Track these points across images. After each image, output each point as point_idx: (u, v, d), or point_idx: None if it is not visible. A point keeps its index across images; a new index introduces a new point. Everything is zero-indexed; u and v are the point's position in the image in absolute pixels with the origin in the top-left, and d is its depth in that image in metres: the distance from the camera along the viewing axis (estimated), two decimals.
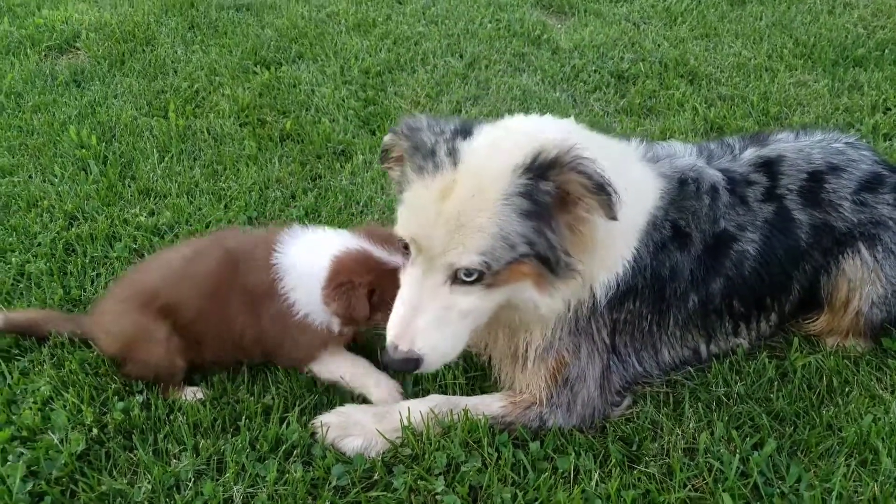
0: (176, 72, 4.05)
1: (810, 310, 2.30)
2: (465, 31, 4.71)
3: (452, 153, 1.68)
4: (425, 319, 1.70)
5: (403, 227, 1.73)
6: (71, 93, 3.81)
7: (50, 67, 4.09)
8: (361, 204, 2.93)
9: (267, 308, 2.00)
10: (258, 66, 4.13)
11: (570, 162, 1.62)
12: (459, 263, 1.66)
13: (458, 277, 1.68)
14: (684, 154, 2.15)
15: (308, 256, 2.01)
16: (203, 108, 3.67)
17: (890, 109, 3.75)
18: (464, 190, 1.64)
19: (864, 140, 2.98)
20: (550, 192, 1.65)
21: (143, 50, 4.31)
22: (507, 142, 1.72)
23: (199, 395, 2.04)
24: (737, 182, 2.11)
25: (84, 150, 3.22)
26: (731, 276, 2.08)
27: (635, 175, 1.96)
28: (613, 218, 1.65)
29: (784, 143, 2.23)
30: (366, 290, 1.93)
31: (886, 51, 4.35)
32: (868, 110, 3.67)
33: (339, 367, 2.09)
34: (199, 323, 2.02)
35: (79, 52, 4.36)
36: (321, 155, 3.28)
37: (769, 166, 2.16)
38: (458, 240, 1.63)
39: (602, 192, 1.62)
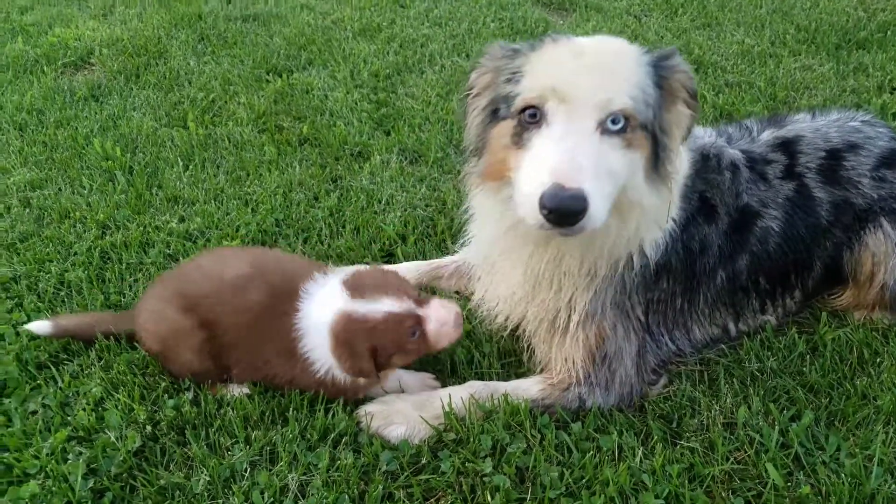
0: (190, 83, 4.12)
1: (835, 285, 2.36)
2: (469, 31, 4.78)
3: (564, 36, 1.78)
4: (584, 160, 1.59)
5: (537, 85, 1.67)
6: (90, 107, 3.87)
7: (68, 84, 4.15)
8: (383, 202, 2.99)
9: (298, 359, 1.99)
10: (270, 74, 4.19)
11: (680, 63, 1.77)
12: (614, 103, 1.63)
13: (606, 126, 1.65)
14: (704, 135, 2.21)
15: (321, 314, 1.95)
16: (221, 116, 3.73)
17: None
18: (596, 48, 1.72)
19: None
20: (668, 75, 1.75)
21: (157, 63, 4.38)
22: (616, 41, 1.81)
23: (245, 391, 2.09)
24: (756, 160, 2.17)
25: (110, 162, 3.28)
26: (756, 253, 2.13)
27: None
28: (685, 137, 1.80)
29: (801, 124, 2.29)
30: (367, 352, 1.89)
31: (889, 32, 4.42)
32: (875, 91, 3.73)
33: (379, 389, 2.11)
34: (234, 349, 2.03)
35: (94, 67, 4.43)
36: (339, 157, 3.34)
37: (787, 146, 2.22)
38: (608, 83, 1.64)
39: (695, 98, 1.77)
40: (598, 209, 1.57)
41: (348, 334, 1.89)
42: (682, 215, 2.01)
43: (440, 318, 1.93)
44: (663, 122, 1.76)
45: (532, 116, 1.68)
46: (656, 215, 1.89)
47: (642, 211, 1.83)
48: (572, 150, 1.60)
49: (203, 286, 2.04)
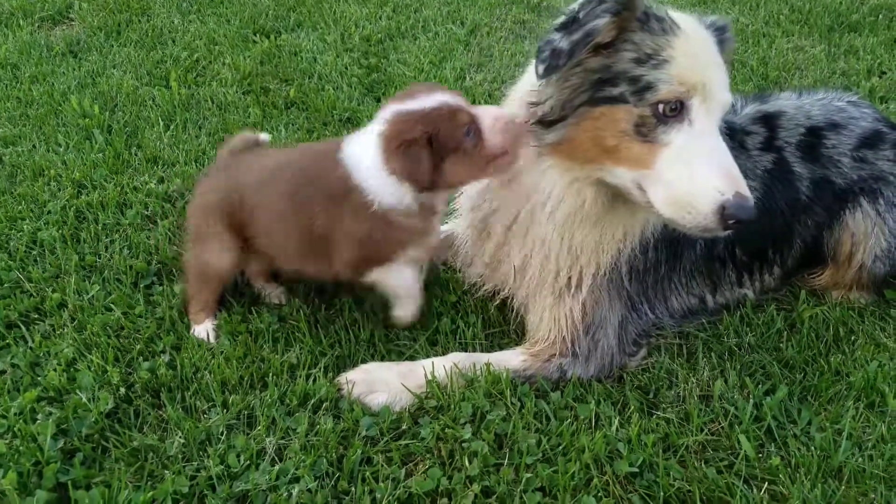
0: (174, 41, 4.01)
1: (815, 265, 2.37)
2: None
3: (670, 20, 1.70)
4: (736, 165, 1.67)
5: (688, 78, 1.64)
6: (68, 63, 3.76)
7: (45, 38, 4.03)
8: None
9: (348, 206, 1.91)
10: (257, 35, 4.10)
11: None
12: (729, 102, 1.72)
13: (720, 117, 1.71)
14: None
15: (368, 141, 1.89)
16: (204, 76, 3.65)
17: (885, 73, 3.81)
18: (708, 40, 1.72)
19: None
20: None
21: (139, 20, 4.25)
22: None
23: (282, 298, 2.27)
24: (735, 131, 2.15)
25: (87, 120, 3.19)
26: None
27: None
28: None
29: (785, 101, 2.29)
30: (422, 141, 1.77)
31: (880, 16, 4.41)
32: (864, 74, 3.73)
33: (402, 277, 2.07)
34: (276, 231, 2.04)
35: (73, 22, 4.29)
36: (327, 122, 3.28)
37: (768, 119, 2.22)
38: (727, 81, 1.71)
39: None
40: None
41: (401, 125, 1.79)
42: None
43: (494, 115, 1.83)
44: None
45: (672, 110, 1.63)
46: None
47: None
48: (728, 154, 1.66)
49: (241, 178, 2.09)
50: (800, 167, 2.20)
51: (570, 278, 2.01)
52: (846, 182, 2.23)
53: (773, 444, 1.87)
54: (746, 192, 1.61)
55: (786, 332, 2.20)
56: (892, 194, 2.25)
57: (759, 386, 2.01)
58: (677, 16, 1.73)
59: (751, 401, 1.95)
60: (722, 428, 1.91)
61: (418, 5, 4.55)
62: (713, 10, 4.53)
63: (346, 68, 3.75)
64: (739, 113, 2.25)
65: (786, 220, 2.21)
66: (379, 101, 3.47)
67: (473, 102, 3.38)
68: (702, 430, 1.89)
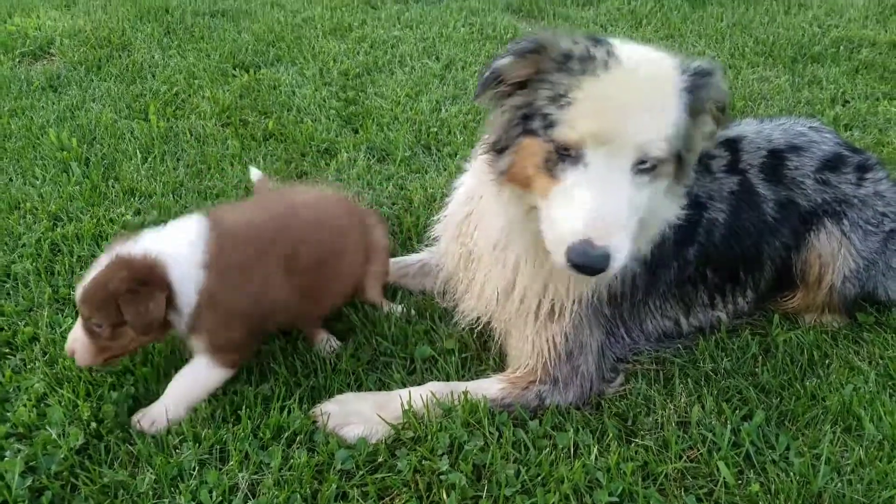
0: (154, 76, 4.04)
1: (786, 288, 2.40)
2: (440, 34, 4.78)
3: (611, 54, 1.65)
4: (618, 214, 1.61)
5: (581, 127, 1.61)
6: (48, 97, 3.77)
7: (25, 73, 4.04)
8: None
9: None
10: (237, 70, 4.14)
11: (717, 73, 1.72)
12: (651, 148, 1.62)
13: (638, 166, 1.64)
14: None
15: None
16: (184, 110, 3.67)
17: (848, 102, 3.93)
18: (641, 82, 1.64)
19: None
20: (704, 96, 1.70)
21: (120, 55, 4.29)
22: (653, 53, 1.74)
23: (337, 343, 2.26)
24: (702, 154, 2.19)
25: (65, 153, 3.19)
26: (703, 244, 2.17)
27: None
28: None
29: (746, 126, 2.35)
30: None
31: (841, 48, 4.56)
32: (828, 102, 3.84)
33: None
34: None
35: (54, 58, 4.31)
36: (305, 153, 3.30)
37: (730, 143, 2.27)
38: (649, 126, 1.61)
39: (725, 112, 1.75)
40: (621, 258, 1.61)
41: None
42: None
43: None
44: (691, 141, 1.74)
45: (565, 150, 1.64)
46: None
47: (656, 220, 1.85)
48: (606, 201, 1.60)
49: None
50: (764, 189, 2.25)
51: (551, 305, 2.02)
52: (810, 204, 2.27)
53: (752, 471, 1.87)
54: (598, 240, 1.56)
55: (761, 357, 2.22)
56: (856, 216, 2.30)
57: (737, 411, 2.02)
58: (637, 56, 1.68)
59: (728, 426, 1.95)
60: (700, 454, 1.90)
61: (395, 41, 4.63)
62: (680, 43, 4.66)
63: (325, 101, 3.79)
64: None
65: (754, 240, 2.25)
66: (357, 132, 3.51)
67: (449, 133, 3.44)
68: (680, 458, 1.89)
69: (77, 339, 1.90)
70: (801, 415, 2.02)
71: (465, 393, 1.99)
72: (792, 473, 1.84)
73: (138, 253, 1.88)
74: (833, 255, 2.26)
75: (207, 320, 1.93)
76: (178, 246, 1.93)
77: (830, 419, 2.01)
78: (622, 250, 1.60)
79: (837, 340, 2.31)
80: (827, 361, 2.22)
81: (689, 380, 2.13)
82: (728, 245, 2.20)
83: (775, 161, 2.27)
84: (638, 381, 2.13)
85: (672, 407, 2.03)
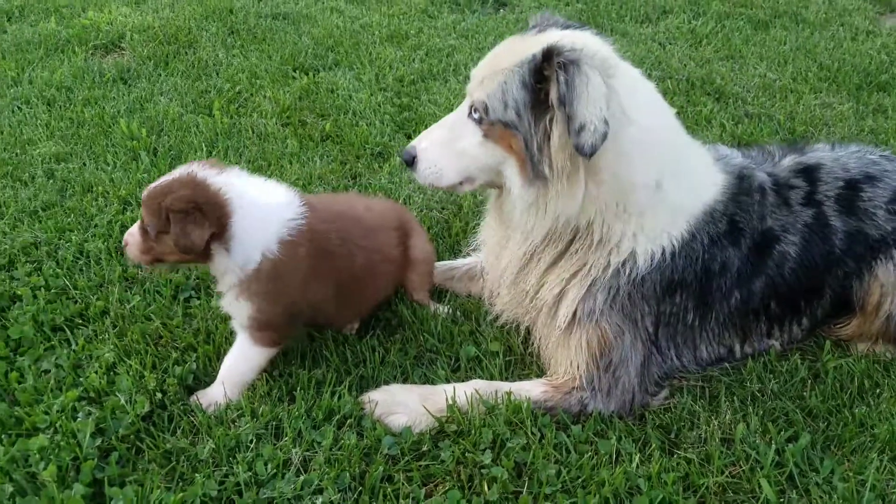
0: (218, 73, 4.20)
1: (841, 314, 2.38)
2: (495, 44, 4.83)
3: (541, 30, 2.00)
4: (436, 134, 2.09)
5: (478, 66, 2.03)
6: (119, 89, 3.95)
7: (97, 65, 4.24)
8: (400, 202, 3.03)
9: None
10: (297, 72, 4.27)
11: (560, 64, 1.74)
12: (473, 96, 1.96)
13: (471, 113, 1.98)
14: (736, 156, 2.27)
15: None
16: (246, 108, 3.81)
17: None
18: (506, 49, 1.97)
19: None
20: (543, 78, 1.82)
21: (186, 52, 4.46)
22: (576, 37, 1.92)
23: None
24: (781, 185, 2.21)
25: (135, 142, 3.35)
26: (771, 276, 2.17)
27: (697, 164, 2.11)
28: (577, 148, 1.74)
29: (821, 153, 2.33)
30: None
31: None
32: (892, 132, 3.77)
33: None
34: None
35: (124, 52, 4.52)
36: (360, 155, 3.40)
37: (808, 172, 2.26)
38: (480, 79, 1.95)
39: (562, 106, 1.73)
40: (423, 168, 2.09)
41: None
42: (707, 237, 2.06)
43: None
44: (538, 127, 1.86)
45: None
46: (641, 224, 2.00)
47: (525, 204, 1.98)
48: (439, 123, 2.12)
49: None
50: (836, 220, 2.23)
51: (559, 307, 2.09)
52: (880, 233, 2.25)
53: (794, 491, 1.87)
54: (415, 143, 2.12)
55: (809, 381, 2.21)
56: None
57: (782, 432, 2.02)
58: (524, 39, 1.98)
59: (772, 446, 1.95)
60: (743, 471, 1.91)
61: (450, 50, 4.71)
62: (741, 65, 4.63)
63: (380, 106, 3.88)
64: (778, 163, 2.30)
65: (820, 274, 2.24)
66: (409, 137, 3.59)
67: None
68: (722, 472, 1.90)
69: (132, 234, 1.99)
70: (847, 441, 2.01)
71: (509, 393, 2.04)
72: (835, 497, 1.83)
73: (214, 183, 1.92)
74: (894, 284, 2.24)
75: (261, 288, 1.96)
76: (260, 203, 1.98)
77: (878, 447, 1.99)
78: (426, 154, 2.08)
79: (890, 371, 2.28)
80: (878, 391, 2.19)
81: (734, 398, 2.14)
82: (796, 278, 2.20)
83: (851, 192, 2.26)
84: (683, 396, 2.14)
85: (716, 423, 2.04)
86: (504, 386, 2.09)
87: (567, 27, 2.03)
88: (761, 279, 2.16)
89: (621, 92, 1.84)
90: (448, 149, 2.05)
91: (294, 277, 2.00)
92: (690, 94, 4.17)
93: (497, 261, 2.26)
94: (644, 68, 4.39)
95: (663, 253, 2.00)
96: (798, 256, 2.18)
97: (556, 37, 1.91)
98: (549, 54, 1.78)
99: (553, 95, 1.77)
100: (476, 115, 1.96)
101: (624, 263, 2.01)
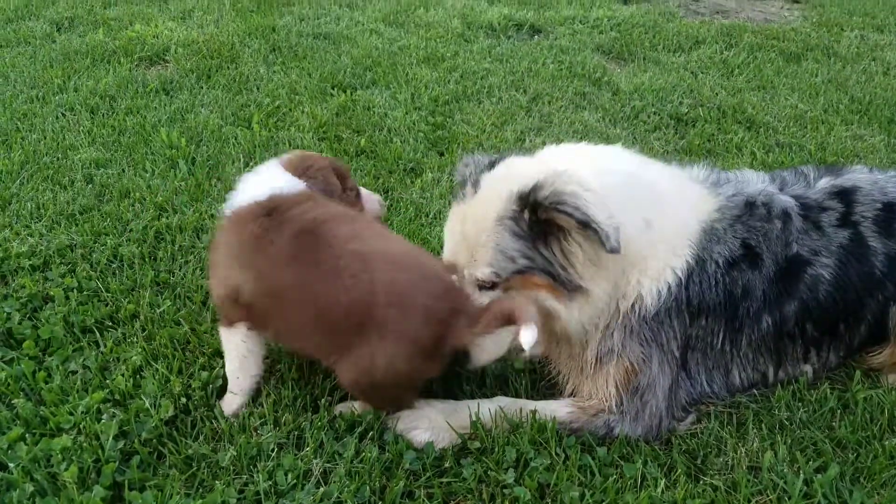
0: (258, 88, 4.30)
1: (876, 343, 2.33)
2: (529, 69, 4.90)
3: (475, 184, 2.02)
4: None
5: (445, 251, 2.07)
6: (161, 99, 4.06)
7: (141, 76, 4.37)
8: (431, 216, 3.06)
9: None
10: (335, 89, 4.35)
11: (554, 202, 1.82)
12: (476, 275, 1.96)
13: (481, 285, 1.98)
14: (756, 181, 2.24)
15: None
16: (284, 122, 3.88)
17: None
18: (474, 214, 1.97)
19: None
20: (531, 222, 1.89)
21: (228, 67, 4.58)
22: (518, 170, 1.98)
23: None
24: (811, 208, 2.18)
25: (174, 151, 3.43)
26: (805, 300, 2.13)
27: (678, 189, 2.10)
28: (612, 250, 1.80)
29: (859, 174, 2.30)
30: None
31: None
32: None
33: None
34: None
35: (168, 64, 4.65)
36: (392, 170, 3.44)
37: (844, 195, 2.23)
38: (472, 257, 1.96)
39: (587, 227, 1.80)
40: None
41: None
42: (722, 259, 2.04)
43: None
44: (553, 254, 1.90)
45: None
46: (643, 270, 2.00)
47: (577, 317, 2.00)
48: None
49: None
50: (875, 242, 2.19)
51: (594, 353, 2.07)
52: None
53: None
54: None
55: (839, 411, 2.16)
56: None
57: (810, 462, 1.97)
58: (490, 182, 1.99)
59: (801, 476, 1.91)
60: (770, 500, 1.87)
61: (485, 73, 4.77)
62: (772, 95, 4.61)
63: (414, 124, 3.93)
64: (813, 186, 2.27)
65: (859, 295, 2.19)
66: (442, 155, 3.63)
67: None
68: (749, 501, 1.86)
69: None
70: (878, 473, 1.95)
71: (534, 412, 2.02)
72: None
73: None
74: None
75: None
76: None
77: None
78: None
79: None
80: None
81: (762, 426, 2.10)
82: (833, 301, 2.16)
83: (890, 215, 2.22)
84: (710, 422, 2.11)
85: (744, 450, 2.01)
86: (529, 404, 2.07)
87: (495, 161, 2.08)
88: (794, 303, 2.13)
89: (595, 185, 1.87)
90: None
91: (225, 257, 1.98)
92: (721, 123, 4.16)
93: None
94: (676, 96, 4.45)
95: (669, 288, 2.00)
96: (834, 278, 2.14)
97: (507, 185, 1.92)
98: (534, 204, 1.86)
99: (571, 225, 1.84)
100: (489, 285, 1.97)
101: (633, 306, 2.02)
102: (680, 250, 2.02)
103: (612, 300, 2.01)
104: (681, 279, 2.01)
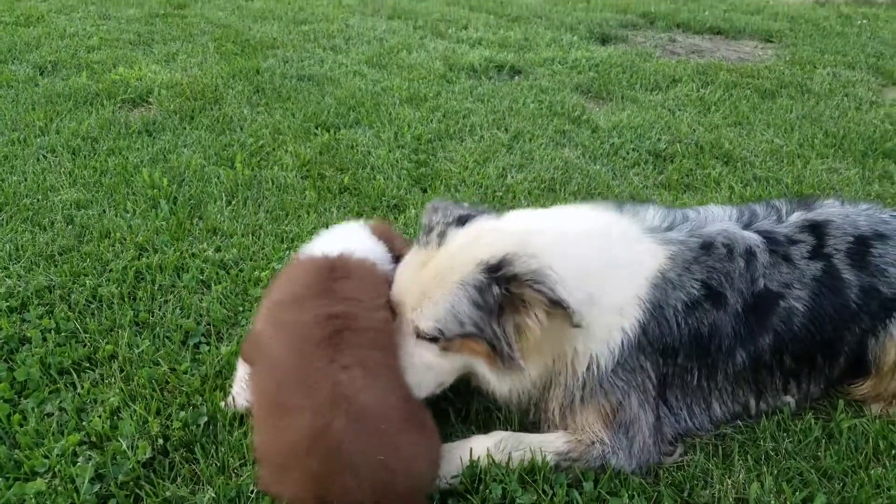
0: (242, 128, 4.33)
1: (857, 375, 2.34)
2: (510, 108, 4.99)
3: (442, 235, 2.03)
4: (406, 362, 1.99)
5: (394, 287, 2.07)
6: (143, 140, 4.08)
7: (124, 118, 4.39)
8: None
9: None
10: (318, 129, 4.40)
11: (531, 279, 1.84)
12: (418, 325, 1.95)
13: (420, 335, 1.96)
14: (719, 218, 2.25)
15: None
16: (268, 161, 3.90)
17: None
18: (435, 266, 1.96)
19: None
20: (500, 295, 1.88)
21: (212, 108, 4.62)
22: (487, 238, 1.98)
23: None
24: (779, 242, 2.21)
25: (155, 191, 3.43)
26: (779, 332, 2.15)
27: (620, 256, 2.10)
28: (577, 325, 1.86)
29: (830, 209, 2.34)
30: None
31: None
32: None
33: None
34: None
35: (151, 106, 4.68)
36: (376, 207, 3.45)
37: (816, 228, 2.26)
38: (420, 305, 1.94)
39: (557, 306, 1.83)
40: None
41: None
42: (680, 303, 2.06)
43: None
44: (506, 328, 1.91)
45: None
46: (587, 338, 2.00)
47: (506, 388, 2.03)
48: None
49: None
50: (849, 274, 2.22)
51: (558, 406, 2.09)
52: (893, 291, 2.24)
53: None
54: None
55: (824, 441, 2.16)
56: None
57: (797, 493, 1.96)
58: (459, 242, 1.99)
59: None
60: None
61: (466, 112, 4.85)
62: (749, 130, 4.72)
63: (397, 161, 3.97)
64: (785, 219, 2.30)
65: (835, 326, 2.21)
66: (425, 191, 3.66)
67: (514, 198, 3.56)
68: None
69: None
70: (864, 502, 1.94)
71: (540, 450, 1.99)
72: None
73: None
74: None
75: None
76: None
77: None
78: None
79: None
80: (893, 451, 2.13)
81: (748, 457, 2.09)
82: (808, 332, 2.18)
83: (862, 248, 2.26)
84: (696, 454, 2.10)
85: (730, 482, 1.99)
86: (526, 438, 2.05)
87: (465, 217, 2.07)
88: (768, 336, 2.14)
89: (556, 264, 1.89)
90: (413, 368, 1.98)
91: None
92: (700, 158, 4.23)
93: None
94: (654, 132, 4.54)
95: (622, 344, 2.01)
96: (808, 310, 2.16)
97: (474, 251, 1.94)
98: (504, 279, 1.87)
99: (542, 301, 1.85)
100: (428, 338, 1.96)
101: (588, 368, 2.03)
102: (628, 310, 2.03)
103: (544, 375, 2.05)
104: (629, 336, 2.02)
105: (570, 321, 1.83)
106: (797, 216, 2.30)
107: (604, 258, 2.07)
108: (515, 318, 1.90)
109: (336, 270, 2.00)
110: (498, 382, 2.01)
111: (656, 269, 2.08)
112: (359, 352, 1.80)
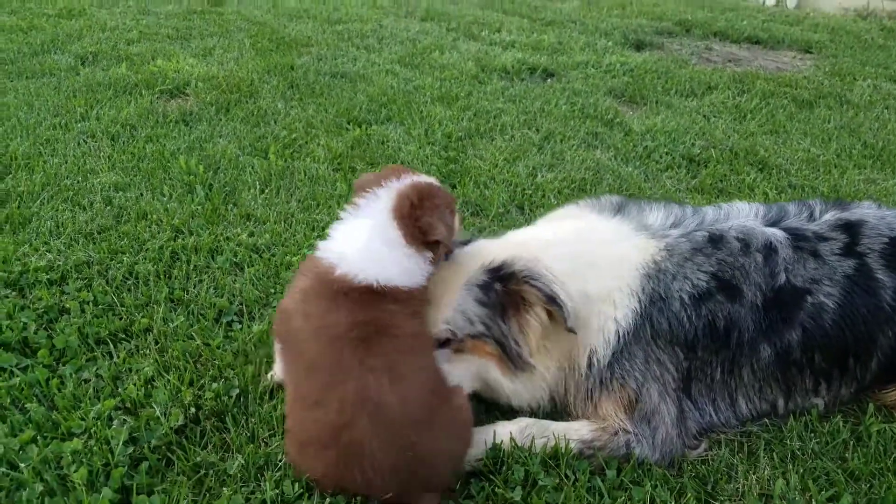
0: (276, 122, 4.41)
1: (889, 381, 2.30)
2: (541, 110, 5.01)
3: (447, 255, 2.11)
4: None
5: None
6: (180, 129, 4.17)
7: (162, 107, 4.50)
8: None
9: None
10: (350, 124, 4.46)
11: (527, 276, 1.97)
12: (434, 330, 2.02)
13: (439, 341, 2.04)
14: (742, 215, 2.27)
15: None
16: (300, 153, 3.97)
17: None
18: (442, 277, 2.04)
19: None
20: (501, 292, 1.99)
21: (247, 101, 4.71)
22: (488, 249, 2.12)
23: None
24: (806, 238, 2.20)
25: (191, 177, 3.50)
26: (808, 329, 2.13)
27: (607, 254, 2.15)
28: (570, 330, 1.95)
29: (866, 210, 2.32)
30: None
31: None
32: None
33: None
34: None
35: (188, 97, 4.79)
36: None
37: (849, 227, 2.24)
38: (436, 313, 2.02)
39: (553, 303, 1.95)
40: None
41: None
42: (686, 295, 2.08)
43: None
44: (509, 328, 2.01)
45: None
46: (582, 337, 2.05)
47: (520, 391, 2.10)
48: None
49: None
50: (882, 274, 2.20)
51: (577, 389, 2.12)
52: None
53: None
54: None
55: (852, 443, 2.13)
56: None
57: (823, 492, 1.94)
58: (475, 249, 2.14)
59: None
60: None
61: (498, 112, 4.87)
62: (785, 139, 4.67)
63: (427, 158, 4.01)
64: (818, 219, 2.29)
65: (868, 327, 2.18)
66: (454, 187, 3.69)
67: (543, 196, 3.57)
68: None
69: None
70: None
71: (556, 436, 2.00)
72: None
73: None
74: None
75: None
76: None
77: None
78: None
79: None
80: None
81: (774, 454, 2.07)
82: (839, 330, 2.16)
83: None
84: (721, 449, 2.09)
85: (755, 478, 1.98)
86: (551, 426, 2.05)
87: (465, 242, 2.20)
88: (796, 331, 2.13)
89: (554, 269, 2.01)
90: None
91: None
92: (734, 164, 4.21)
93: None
94: (688, 137, 4.52)
95: (617, 334, 2.06)
96: (839, 308, 2.14)
97: (476, 259, 2.07)
98: (508, 276, 1.99)
99: (539, 298, 1.96)
100: (441, 341, 2.03)
101: (589, 360, 2.07)
102: (619, 301, 2.08)
103: (558, 376, 2.11)
104: (622, 326, 2.07)
105: (565, 322, 1.94)
106: (831, 215, 2.28)
107: (585, 258, 2.14)
108: (518, 316, 2.01)
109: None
110: (512, 386, 2.07)
111: (646, 261, 2.12)
112: (389, 356, 1.76)
